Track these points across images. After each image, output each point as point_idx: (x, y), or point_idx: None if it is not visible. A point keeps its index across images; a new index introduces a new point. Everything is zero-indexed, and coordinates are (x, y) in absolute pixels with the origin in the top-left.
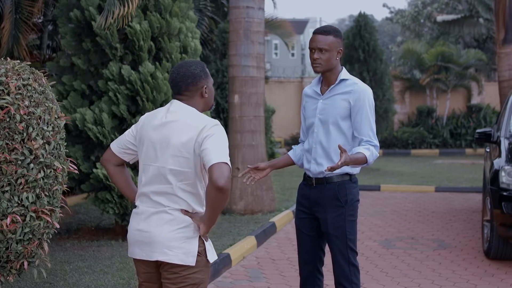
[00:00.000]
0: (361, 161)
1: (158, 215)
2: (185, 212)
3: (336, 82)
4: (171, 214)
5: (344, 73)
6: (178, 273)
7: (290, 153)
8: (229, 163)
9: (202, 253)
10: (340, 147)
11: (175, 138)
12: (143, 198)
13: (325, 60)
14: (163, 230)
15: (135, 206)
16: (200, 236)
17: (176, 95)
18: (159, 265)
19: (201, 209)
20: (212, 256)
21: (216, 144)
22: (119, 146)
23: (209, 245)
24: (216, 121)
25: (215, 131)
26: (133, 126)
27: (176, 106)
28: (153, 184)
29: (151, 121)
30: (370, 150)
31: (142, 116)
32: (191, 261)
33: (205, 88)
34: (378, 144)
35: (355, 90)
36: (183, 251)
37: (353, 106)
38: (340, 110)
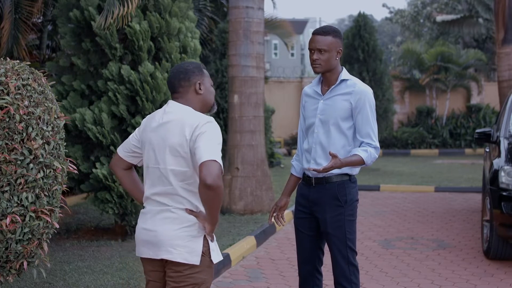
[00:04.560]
0: (357, 163)
1: (163, 213)
2: (190, 211)
3: (337, 82)
4: (175, 213)
5: (345, 74)
6: (181, 272)
7: (292, 171)
8: (219, 160)
9: (206, 253)
10: (331, 153)
11: (172, 139)
12: (149, 200)
13: (324, 60)
14: (167, 228)
15: (143, 207)
16: (205, 236)
17: (172, 95)
18: (165, 264)
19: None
20: (216, 257)
21: (206, 142)
22: (125, 150)
23: (214, 245)
24: (210, 118)
25: (207, 128)
26: (136, 129)
27: (171, 107)
28: (156, 186)
29: (151, 123)
30: (368, 152)
31: (144, 119)
32: (195, 260)
33: (199, 84)
34: (378, 146)
35: (356, 91)
36: (187, 250)
37: (354, 107)
38: (341, 111)
